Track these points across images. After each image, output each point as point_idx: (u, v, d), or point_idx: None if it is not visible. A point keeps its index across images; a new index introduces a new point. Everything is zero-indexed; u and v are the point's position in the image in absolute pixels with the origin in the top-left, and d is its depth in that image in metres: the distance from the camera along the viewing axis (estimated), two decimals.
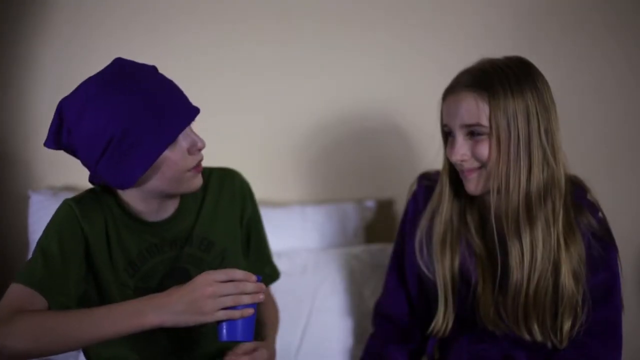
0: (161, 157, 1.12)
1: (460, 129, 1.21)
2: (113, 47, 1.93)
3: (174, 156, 1.13)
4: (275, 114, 1.97)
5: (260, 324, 1.42)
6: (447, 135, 1.27)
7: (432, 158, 1.92)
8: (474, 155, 1.21)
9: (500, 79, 1.17)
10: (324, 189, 2.01)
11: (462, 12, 1.90)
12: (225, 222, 1.32)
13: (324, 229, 1.90)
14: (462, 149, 1.21)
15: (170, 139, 1.11)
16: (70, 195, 1.87)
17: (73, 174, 1.98)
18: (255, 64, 1.94)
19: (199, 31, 1.93)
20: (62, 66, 1.93)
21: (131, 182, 1.13)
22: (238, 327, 1.06)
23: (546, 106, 1.20)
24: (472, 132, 1.20)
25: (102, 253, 1.21)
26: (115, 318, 1.04)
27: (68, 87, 1.89)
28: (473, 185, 1.23)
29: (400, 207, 2.01)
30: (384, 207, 2.01)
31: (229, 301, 1.04)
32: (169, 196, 1.22)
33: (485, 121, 1.18)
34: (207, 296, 1.03)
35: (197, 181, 1.20)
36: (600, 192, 1.34)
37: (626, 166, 1.90)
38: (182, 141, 1.15)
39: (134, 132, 1.09)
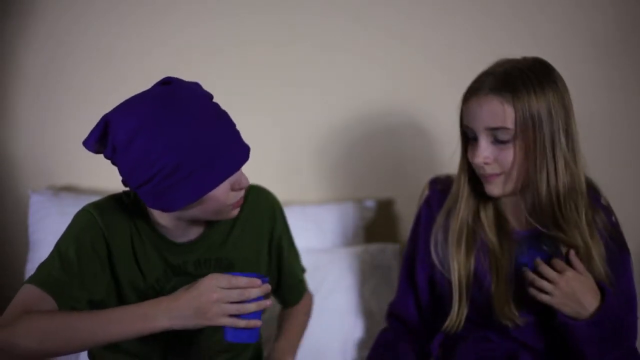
0: (202, 199, 1.11)
1: (484, 131, 1.20)
2: (103, 44, 1.94)
3: (217, 193, 1.11)
4: (275, 114, 1.97)
5: (280, 330, 1.43)
6: (466, 136, 1.27)
7: (433, 158, 1.94)
8: (498, 161, 1.21)
9: (524, 81, 1.17)
10: (324, 189, 2.01)
11: (468, 13, 1.90)
12: (250, 245, 1.30)
13: (324, 229, 1.90)
14: (485, 151, 1.21)
15: (219, 181, 1.10)
16: (70, 195, 1.90)
17: (73, 174, 1.99)
18: (254, 64, 1.94)
19: (197, 30, 1.93)
20: (44, 62, 1.94)
21: (169, 211, 1.12)
22: (243, 332, 1.08)
23: (566, 107, 1.20)
24: (497, 137, 1.19)
25: (128, 265, 1.20)
26: (125, 321, 1.04)
27: (51, 85, 1.92)
28: (495, 188, 1.24)
29: (400, 207, 2.01)
30: (384, 207, 2.01)
31: (233, 309, 1.05)
32: (202, 221, 1.22)
33: (510, 124, 1.17)
34: (213, 302, 1.04)
35: (235, 212, 1.19)
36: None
37: (625, 166, 1.90)
38: (227, 179, 1.12)
39: (185, 170, 1.06)
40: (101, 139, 1.09)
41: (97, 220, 1.17)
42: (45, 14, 1.92)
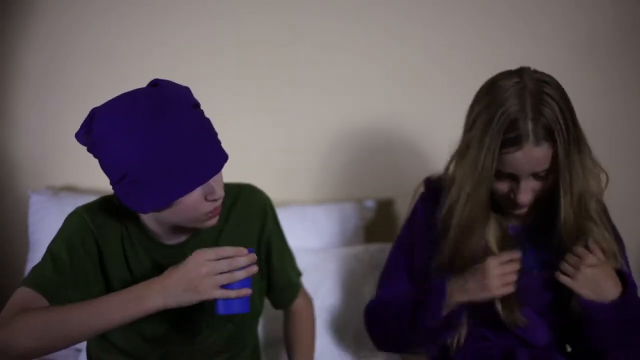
0: (175, 200, 1.10)
1: (528, 175, 1.22)
2: (103, 44, 1.94)
3: (188, 201, 1.10)
4: (274, 114, 1.97)
5: (290, 348, 1.44)
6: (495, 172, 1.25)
7: (433, 158, 1.94)
8: (534, 191, 1.24)
9: (558, 117, 1.18)
10: (324, 189, 2.01)
11: (468, 13, 1.90)
12: (242, 244, 1.27)
13: (324, 229, 1.90)
14: (531, 191, 1.24)
15: (188, 190, 1.08)
16: (70, 195, 1.90)
17: (73, 174, 1.99)
18: (254, 64, 1.94)
19: (197, 30, 1.93)
20: (44, 62, 1.94)
21: (140, 211, 1.13)
22: (234, 302, 1.09)
23: (577, 122, 1.22)
24: (538, 175, 1.22)
25: (119, 266, 1.20)
26: (119, 306, 1.05)
27: (51, 85, 1.92)
28: (525, 210, 1.27)
29: (400, 207, 2.01)
30: (384, 207, 2.01)
31: (224, 279, 1.06)
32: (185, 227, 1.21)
33: (550, 162, 1.20)
34: (203, 276, 1.05)
35: (211, 222, 1.17)
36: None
37: (625, 166, 1.90)
38: (200, 188, 1.11)
39: (152, 174, 1.06)
40: (87, 132, 1.10)
41: (87, 222, 1.18)
42: (45, 14, 1.92)
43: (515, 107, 1.18)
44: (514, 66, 2.01)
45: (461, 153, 1.29)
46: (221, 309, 1.09)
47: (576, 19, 1.87)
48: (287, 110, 1.97)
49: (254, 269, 1.09)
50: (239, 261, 1.07)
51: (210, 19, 1.92)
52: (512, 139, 1.18)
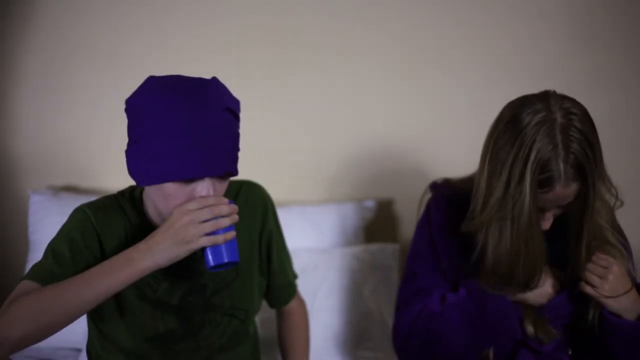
0: (164, 186, 1.10)
1: (555, 207, 1.22)
2: (103, 44, 1.94)
3: (176, 193, 1.10)
4: (274, 114, 1.97)
5: (285, 350, 1.44)
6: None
7: (433, 158, 1.94)
8: (556, 215, 1.24)
9: (585, 153, 1.16)
10: (324, 189, 2.01)
11: (468, 13, 1.90)
12: (244, 238, 1.30)
13: (324, 229, 1.90)
14: (553, 217, 1.24)
15: (169, 178, 1.08)
16: (70, 195, 1.91)
17: (73, 174, 1.99)
18: (254, 64, 1.95)
19: (197, 30, 1.94)
20: (44, 62, 1.95)
21: (137, 184, 1.13)
22: (222, 251, 1.08)
23: (601, 149, 1.20)
24: (562, 205, 1.22)
25: None
26: (111, 272, 1.05)
27: (51, 85, 1.92)
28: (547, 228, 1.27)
29: (400, 207, 2.01)
30: (384, 207, 2.01)
31: (208, 227, 1.06)
32: None
33: (576, 195, 1.20)
34: (187, 224, 1.05)
35: None
36: None
37: (626, 166, 1.89)
38: (195, 185, 1.10)
39: (149, 149, 1.08)
40: (132, 95, 1.13)
41: (90, 218, 1.18)
42: (45, 14, 1.92)
43: (547, 147, 1.14)
44: (513, 66, 2.02)
45: (489, 191, 1.22)
46: (211, 261, 1.08)
47: (576, 19, 1.87)
48: (286, 111, 1.97)
49: (236, 217, 1.09)
50: (221, 208, 1.07)
51: (210, 19, 1.93)
52: (544, 181, 1.16)
